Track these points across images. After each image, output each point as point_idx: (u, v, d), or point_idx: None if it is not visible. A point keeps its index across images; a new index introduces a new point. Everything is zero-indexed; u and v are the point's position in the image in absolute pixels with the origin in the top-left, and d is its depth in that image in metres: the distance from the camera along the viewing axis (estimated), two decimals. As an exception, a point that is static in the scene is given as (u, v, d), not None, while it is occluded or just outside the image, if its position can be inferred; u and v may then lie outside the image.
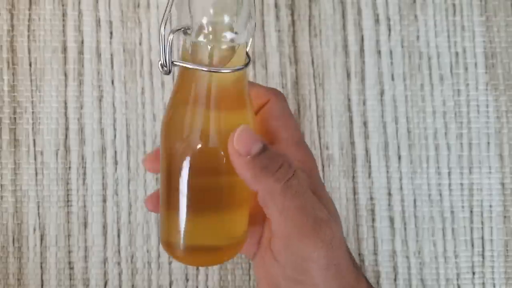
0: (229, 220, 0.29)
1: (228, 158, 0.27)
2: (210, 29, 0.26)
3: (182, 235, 0.29)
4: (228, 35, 0.26)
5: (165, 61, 0.27)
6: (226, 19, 0.26)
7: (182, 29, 0.27)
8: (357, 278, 0.29)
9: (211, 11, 0.26)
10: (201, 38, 0.26)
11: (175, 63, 0.27)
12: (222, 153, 0.27)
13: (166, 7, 0.26)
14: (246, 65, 0.28)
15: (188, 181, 0.28)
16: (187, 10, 0.26)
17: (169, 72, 0.27)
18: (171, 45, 0.27)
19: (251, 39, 0.29)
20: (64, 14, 0.44)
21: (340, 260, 0.28)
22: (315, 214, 0.27)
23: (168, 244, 0.30)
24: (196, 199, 0.28)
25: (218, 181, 0.28)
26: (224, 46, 0.27)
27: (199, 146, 0.27)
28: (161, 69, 0.27)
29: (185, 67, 0.27)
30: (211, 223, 0.29)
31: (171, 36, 0.26)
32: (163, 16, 0.26)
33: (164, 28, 0.26)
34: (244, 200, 0.29)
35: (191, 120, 0.27)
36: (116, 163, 0.43)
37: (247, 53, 0.28)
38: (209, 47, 0.27)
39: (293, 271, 0.28)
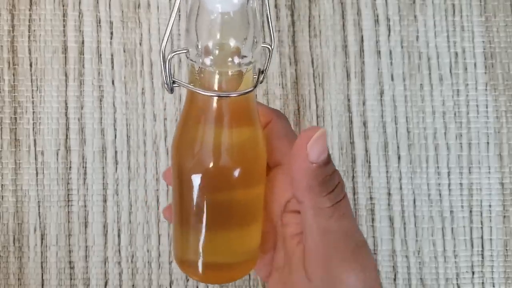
0: (242, 237, 0.29)
1: (242, 175, 0.27)
2: (217, 53, 0.26)
3: (195, 253, 0.29)
4: (236, 59, 0.26)
5: (166, 81, 0.27)
6: (233, 43, 0.26)
7: (183, 51, 0.27)
8: None
9: (218, 34, 0.25)
10: (207, 62, 0.26)
11: (176, 82, 0.27)
12: (235, 170, 0.27)
13: (167, 27, 0.26)
14: (254, 87, 0.27)
15: (202, 199, 0.27)
16: (194, 33, 0.26)
17: (171, 91, 0.27)
18: (170, 65, 0.26)
19: (264, 60, 0.29)
20: (64, 15, 0.45)
21: (373, 283, 0.27)
22: (357, 238, 0.27)
23: (182, 261, 0.30)
24: (210, 217, 0.28)
25: (231, 198, 0.28)
26: (231, 71, 0.26)
27: (211, 164, 0.27)
28: (165, 87, 0.27)
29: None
30: (225, 240, 0.29)
31: (170, 56, 0.26)
32: (164, 35, 0.26)
33: (165, 47, 0.26)
34: (257, 216, 0.29)
35: (203, 139, 0.27)
36: (116, 163, 0.43)
37: (260, 70, 0.28)
38: (215, 71, 0.26)
39: None
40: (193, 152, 0.27)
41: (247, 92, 0.26)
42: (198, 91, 0.26)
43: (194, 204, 0.28)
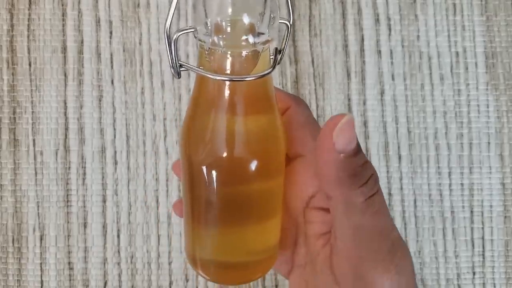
0: (260, 233, 0.27)
1: (259, 166, 0.24)
2: (229, 31, 0.22)
3: (208, 251, 0.27)
4: (250, 38, 0.23)
5: (172, 65, 0.24)
6: (247, 18, 0.22)
7: (190, 30, 0.24)
8: None
9: (229, 9, 0.22)
10: (217, 41, 0.23)
11: (183, 66, 0.24)
12: (251, 161, 0.24)
13: (171, 4, 0.23)
14: (273, 68, 0.24)
15: (215, 192, 0.25)
16: (202, 8, 0.23)
17: (179, 76, 0.24)
18: (177, 47, 0.24)
19: (279, 38, 0.25)
20: (63, 14, 0.44)
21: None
22: (394, 237, 0.24)
23: (194, 260, 0.27)
24: (224, 212, 0.26)
25: (247, 191, 0.25)
26: (245, 51, 0.23)
27: (225, 154, 0.24)
28: (172, 71, 0.24)
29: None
30: (241, 237, 0.27)
31: (175, 36, 0.24)
32: (168, 12, 0.23)
33: (169, 28, 0.23)
34: (276, 210, 0.27)
35: (215, 127, 0.24)
36: (115, 163, 0.43)
37: (277, 50, 0.25)
38: (227, 52, 0.23)
39: None
40: (205, 142, 0.25)
41: (264, 75, 0.23)
42: (208, 75, 0.23)
43: (207, 198, 0.25)
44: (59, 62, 0.44)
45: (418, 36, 0.45)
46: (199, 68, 0.24)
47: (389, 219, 0.25)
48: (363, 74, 0.45)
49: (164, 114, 0.44)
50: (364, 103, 0.44)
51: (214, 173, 0.24)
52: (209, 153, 0.24)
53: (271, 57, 0.25)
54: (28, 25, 0.44)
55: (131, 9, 0.45)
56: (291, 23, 0.25)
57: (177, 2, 0.23)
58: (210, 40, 0.23)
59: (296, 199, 0.27)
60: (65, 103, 0.44)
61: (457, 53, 0.45)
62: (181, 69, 0.24)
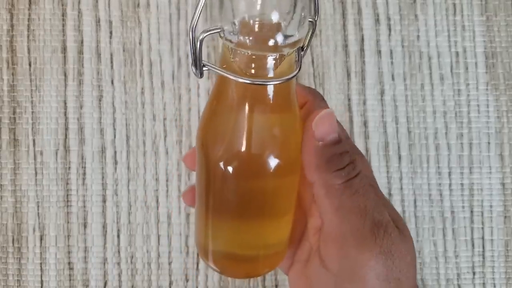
0: (273, 228, 0.27)
1: (277, 163, 0.24)
2: (256, 31, 0.22)
3: (221, 244, 0.27)
4: (279, 39, 0.22)
5: (195, 65, 0.23)
6: (277, 18, 0.21)
7: (216, 30, 0.23)
8: None
9: (258, 8, 0.21)
10: (244, 42, 0.22)
11: (206, 66, 0.24)
12: (269, 157, 0.25)
13: (198, 4, 0.22)
14: (298, 70, 0.23)
15: (232, 187, 0.25)
16: (229, 6, 0.22)
17: (201, 75, 0.24)
18: (201, 46, 0.23)
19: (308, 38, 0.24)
20: (63, 14, 0.44)
21: (401, 276, 0.24)
22: (374, 216, 0.25)
23: (206, 252, 0.28)
24: (239, 206, 0.26)
25: (263, 187, 0.26)
26: (272, 55, 0.22)
27: (243, 150, 0.24)
28: (193, 71, 0.24)
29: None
30: (253, 231, 0.27)
31: (201, 36, 0.23)
32: (195, 11, 0.22)
33: (195, 27, 0.22)
34: (290, 206, 0.27)
35: (236, 125, 0.24)
36: (115, 163, 0.43)
37: (301, 48, 0.24)
38: (254, 53, 0.22)
39: (347, 280, 0.25)
40: (224, 138, 0.25)
41: (289, 79, 0.23)
42: (231, 77, 0.23)
43: (222, 192, 0.25)
44: (59, 62, 0.44)
45: (418, 36, 0.45)
46: (222, 67, 0.24)
47: (373, 200, 0.25)
48: (363, 74, 0.45)
49: (164, 114, 0.44)
50: (364, 103, 0.44)
51: (231, 168, 0.25)
52: (227, 149, 0.25)
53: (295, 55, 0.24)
54: (28, 25, 0.44)
55: (131, 9, 0.45)
56: (316, 19, 0.24)
57: (204, 3, 0.22)
58: (236, 40, 0.22)
59: (305, 193, 0.28)
60: (65, 103, 0.44)
61: (457, 53, 0.45)
62: (203, 69, 0.24)
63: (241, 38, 0.22)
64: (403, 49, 0.45)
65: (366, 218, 0.24)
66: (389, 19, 0.45)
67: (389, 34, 0.45)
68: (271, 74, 0.23)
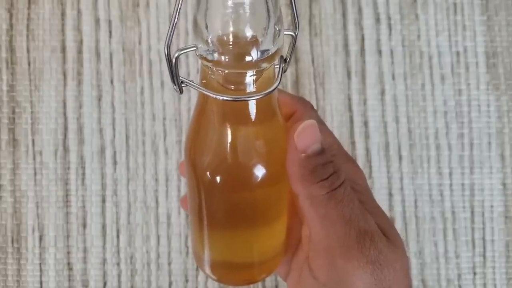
0: (265, 236, 0.27)
1: (261, 173, 0.25)
2: (231, 49, 0.21)
3: (216, 253, 0.27)
4: (254, 54, 0.21)
5: (173, 82, 0.23)
6: (251, 35, 0.21)
7: (191, 48, 0.23)
8: None
9: (231, 26, 0.21)
10: (220, 60, 0.22)
11: (184, 82, 0.24)
12: (253, 167, 0.25)
13: (170, 23, 0.22)
14: (278, 83, 0.23)
15: (220, 197, 0.26)
16: (203, 24, 0.21)
17: (181, 92, 0.24)
18: (177, 65, 0.23)
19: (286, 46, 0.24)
20: (63, 13, 0.44)
21: (392, 285, 0.24)
22: (360, 225, 0.25)
23: (201, 261, 0.28)
24: (229, 216, 0.26)
25: (249, 196, 0.26)
26: (249, 71, 0.22)
27: (228, 161, 0.25)
28: (173, 87, 0.24)
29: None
30: (246, 239, 0.27)
31: (176, 55, 0.23)
32: (168, 31, 0.22)
33: (169, 45, 0.23)
34: (280, 214, 0.28)
35: (220, 137, 0.24)
36: (115, 163, 0.43)
37: (282, 58, 0.24)
38: (230, 71, 0.22)
39: None
40: (208, 150, 0.25)
41: (269, 93, 0.23)
42: (210, 95, 0.23)
43: (211, 203, 0.26)
44: (58, 61, 0.44)
45: (418, 36, 0.45)
46: (200, 84, 0.24)
47: (358, 210, 0.25)
48: (364, 74, 0.45)
49: (163, 114, 0.44)
50: (365, 103, 0.44)
51: (217, 179, 0.25)
52: (212, 160, 0.25)
53: (276, 66, 0.24)
54: (27, 25, 0.44)
55: (131, 9, 0.44)
56: (297, 33, 0.24)
57: (177, 19, 0.22)
58: (212, 58, 0.22)
59: (298, 201, 0.28)
60: (65, 103, 0.43)
61: (457, 53, 0.45)
62: (182, 85, 0.24)
63: (217, 56, 0.22)
64: (404, 48, 0.45)
65: (351, 227, 0.25)
66: (389, 18, 0.45)
67: (390, 34, 0.45)
68: (251, 89, 0.23)
